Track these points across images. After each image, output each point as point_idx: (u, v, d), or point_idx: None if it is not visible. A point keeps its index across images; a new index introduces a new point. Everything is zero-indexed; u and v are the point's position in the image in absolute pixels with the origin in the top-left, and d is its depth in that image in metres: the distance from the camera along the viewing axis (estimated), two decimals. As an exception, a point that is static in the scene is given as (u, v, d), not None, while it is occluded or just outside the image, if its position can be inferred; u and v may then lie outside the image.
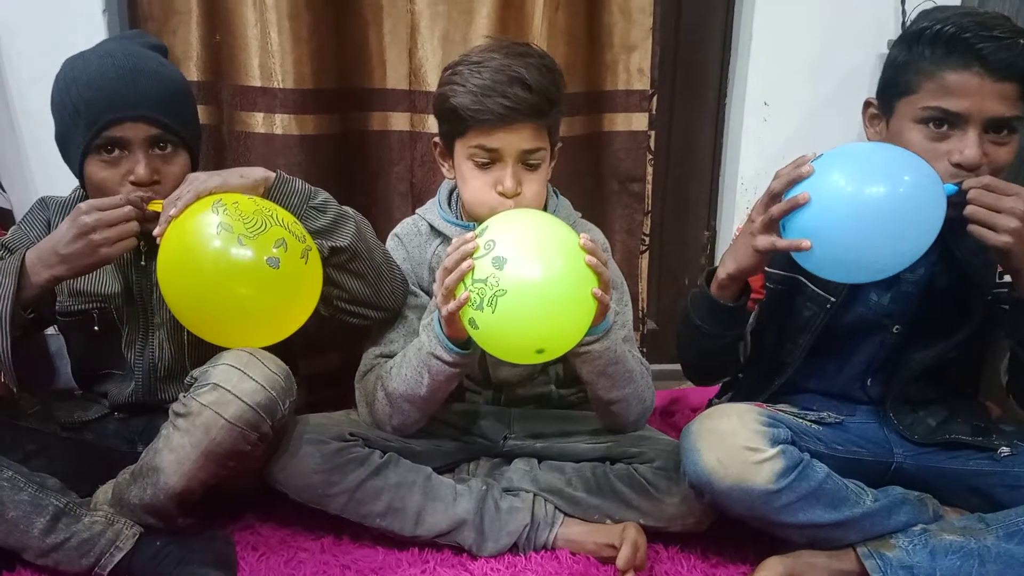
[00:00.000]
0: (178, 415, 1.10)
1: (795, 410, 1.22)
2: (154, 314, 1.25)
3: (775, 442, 1.09)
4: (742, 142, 1.76)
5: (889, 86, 1.14)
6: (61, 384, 1.50)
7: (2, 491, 1.07)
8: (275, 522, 1.29)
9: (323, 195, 1.19)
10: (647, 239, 1.73)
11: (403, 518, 1.20)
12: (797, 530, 1.11)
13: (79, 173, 1.17)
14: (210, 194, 1.09)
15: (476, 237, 1.03)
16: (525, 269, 0.99)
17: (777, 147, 1.74)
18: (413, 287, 1.31)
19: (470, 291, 1.00)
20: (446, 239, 1.28)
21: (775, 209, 1.04)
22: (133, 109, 1.12)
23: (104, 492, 1.17)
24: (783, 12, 1.68)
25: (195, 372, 1.13)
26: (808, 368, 1.24)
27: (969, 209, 1.01)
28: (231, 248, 1.04)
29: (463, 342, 1.14)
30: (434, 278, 1.22)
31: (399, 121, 1.62)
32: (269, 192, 1.15)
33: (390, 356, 1.26)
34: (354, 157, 1.64)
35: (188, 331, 1.20)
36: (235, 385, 1.08)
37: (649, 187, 1.70)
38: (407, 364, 1.20)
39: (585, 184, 1.70)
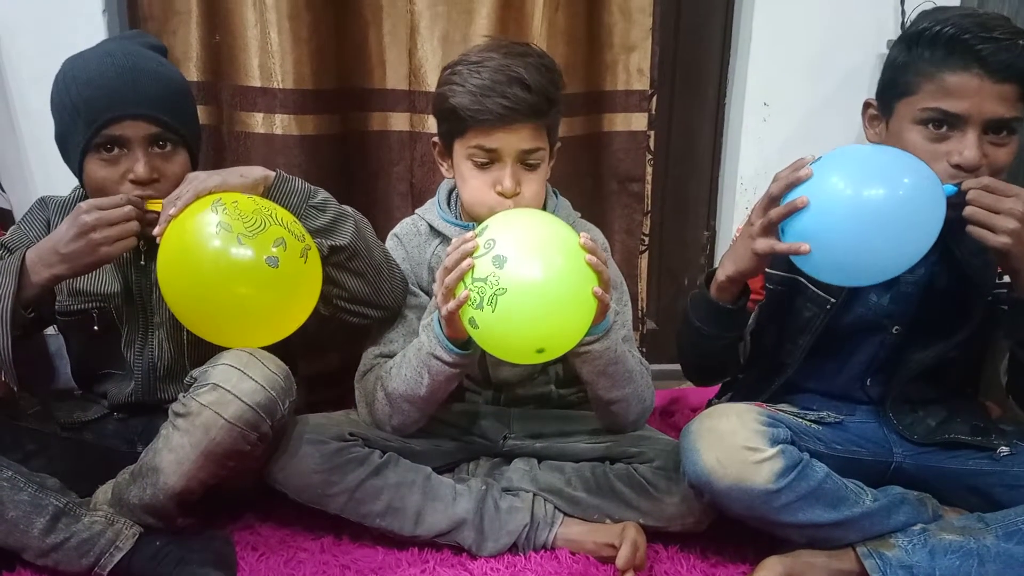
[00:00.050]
0: (178, 415, 1.11)
1: (795, 410, 1.22)
2: (153, 314, 1.25)
3: (774, 442, 1.09)
4: (742, 142, 1.76)
5: (889, 87, 1.14)
6: (61, 384, 1.50)
7: (2, 491, 1.07)
8: (275, 522, 1.29)
9: (322, 194, 1.19)
10: (647, 239, 1.73)
11: (403, 518, 1.20)
12: (796, 530, 1.11)
13: (79, 172, 1.17)
14: (209, 193, 1.09)
15: (476, 236, 1.03)
16: (525, 268, 0.99)
17: (777, 147, 1.75)
18: (412, 287, 1.31)
19: (470, 290, 1.00)
20: (445, 239, 1.28)
21: (773, 213, 1.04)
22: (132, 107, 1.12)
23: (104, 492, 1.17)
24: (783, 12, 1.68)
25: (195, 372, 1.13)
26: (808, 368, 1.24)
27: (968, 210, 1.01)
28: (230, 247, 1.04)
29: (463, 342, 1.14)
30: (433, 278, 1.22)
31: (399, 121, 1.62)
32: (269, 191, 1.15)
33: (390, 356, 1.26)
34: (354, 157, 1.64)
35: (187, 330, 1.20)
36: (235, 385, 1.08)
37: (649, 187, 1.70)
38: (407, 364, 1.20)
39: (585, 184, 1.70)
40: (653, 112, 1.66)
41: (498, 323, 1.00)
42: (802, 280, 1.20)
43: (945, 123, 1.07)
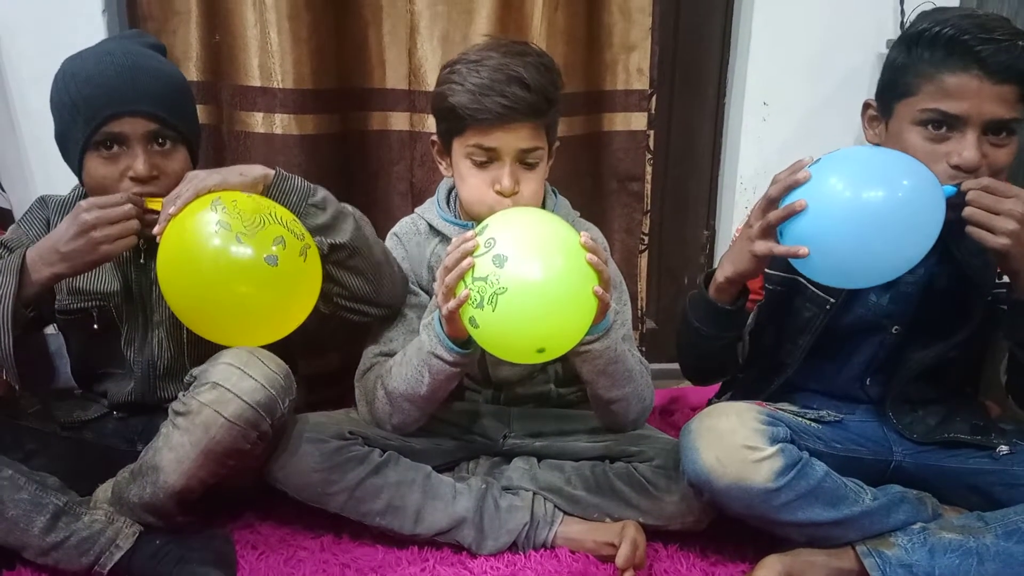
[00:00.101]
0: (178, 414, 1.11)
1: (795, 408, 1.22)
2: (153, 312, 1.25)
3: (774, 440, 1.09)
4: (741, 141, 1.77)
5: (888, 88, 1.14)
6: (61, 383, 1.50)
7: (2, 490, 1.07)
8: (275, 521, 1.29)
9: (322, 192, 1.19)
10: (646, 238, 1.73)
11: (403, 516, 1.20)
12: (796, 528, 1.11)
13: (78, 171, 1.17)
14: (209, 192, 1.09)
15: (476, 235, 1.03)
16: (525, 267, 0.99)
17: (776, 146, 1.75)
18: (412, 286, 1.31)
19: (470, 289, 1.00)
20: (445, 238, 1.28)
21: (772, 215, 1.04)
22: (132, 104, 1.13)
23: (104, 491, 1.17)
24: (782, 11, 1.68)
25: (195, 371, 1.14)
26: (807, 368, 1.24)
27: (967, 211, 1.01)
28: (230, 246, 1.04)
29: (463, 341, 1.14)
30: (433, 277, 1.22)
31: (399, 121, 1.62)
32: (268, 190, 1.15)
33: (390, 355, 1.26)
34: (354, 157, 1.65)
35: (187, 329, 1.20)
36: (235, 384, 1.08)
37: (648, 186, 1.70)
38: (407, 363, 1.20)
39: (584, 184, 1.70)
40: (653, 112, 1.66)
41: (498, 322, 1.00)
42: (802, 280, 1.20)
43: (945, 124, 1.07)
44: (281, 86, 1.50)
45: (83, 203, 1.09)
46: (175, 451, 1.10)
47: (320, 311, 1.19)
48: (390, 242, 1.34)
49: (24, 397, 1.27)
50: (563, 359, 1.17)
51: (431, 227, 1.32)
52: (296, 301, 1.13)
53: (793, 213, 1.01)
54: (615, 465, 1.26)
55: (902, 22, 1.63)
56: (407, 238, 1.33)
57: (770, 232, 1.06)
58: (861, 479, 1.15)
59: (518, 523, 1.21)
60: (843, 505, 1.10)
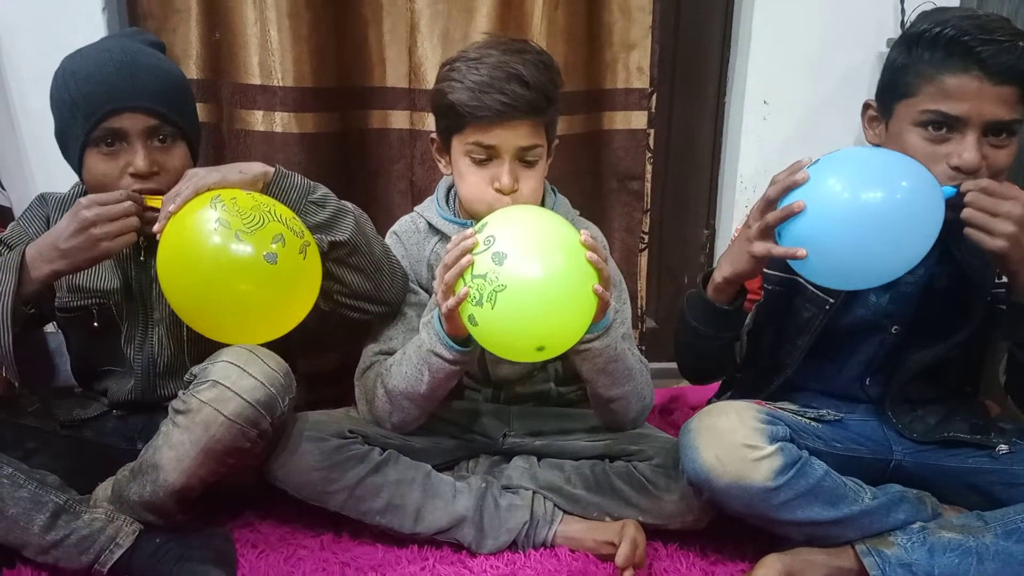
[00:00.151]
0: (178, 412, 1.11)
1: (795, 407, 1.22)
2: (153, 310, 1.25)
3: (773, 439, 1.09)
4: (741, 140, 1.77)
5: (888, 88, 1.13)
6: (60, 382, 1.50)
7: (2, 488, 1.07)
8: (275, 519, 1.29)
9: (322, 190, 1.19)
10: (646, 237, 1.73)
11: (403, 515, 1.20)
12: (795, 527, 1.11)
13: (79, 168, 1.17)
14: (209, 190, 1.09)
15: (475, 233, 1.03)
16: (525, 265, 0.99)
17: (777, 145, 1.75)
18: (412, 284, 1.31)
19: (469, 287, 1.00)
20: (444, 237, 1.28)
21: (770, 217, 1.04)
22: (131, 100, 1.13)
23: (104, 489, 1.17)
24: (783, 10, 1.68)
25: (194, 369, 1.14)
26: (807, 368, 1.24)
27: (966, 213, 1.01)
28: (229, 244, 1.04)
29: (463, 339, 1.14)
30: (433, 276, 1.22)
31: (399, 119, 1.62)
32: (268, 187, 1.15)
33: (390, 353, 1.26)
34: (354, 155, 1.64)
35: (187, 327, 1.20)
36: (235, 382, 1.09)
37: (648, 185, 1.70)
38: (407, 362, 1.20)
39: (584, 182, 1.70)
40: (653, 110, 1.66)
41: (497, 320, 1.00)
42: (801, 281, 1.20)
43: (944, 125, 1.06)
44: (281, 84, 1.50)
45: (83, 200, 1.09)
46: (175, 449, 1.10)
47: (320, 309, 1.19)
48: (389, 240, 1.34)
49: (24, 395, 1.27)
50: (563, 358, 1.17)
51: (430, 225, 1.32)
52: (296, 299, 1.13)
53: (791, 214, 1.01)
54: (615, 464, 1.26)
55: (902, 21, 1.63)
56: (406, 237, 1.33)
57: (768, 233, 1.06)
58: (861, 478, 1.15)
59: (518, 522, 1.21)
60: (842, 504, 1.10)
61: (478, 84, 1.13)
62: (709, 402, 1.35)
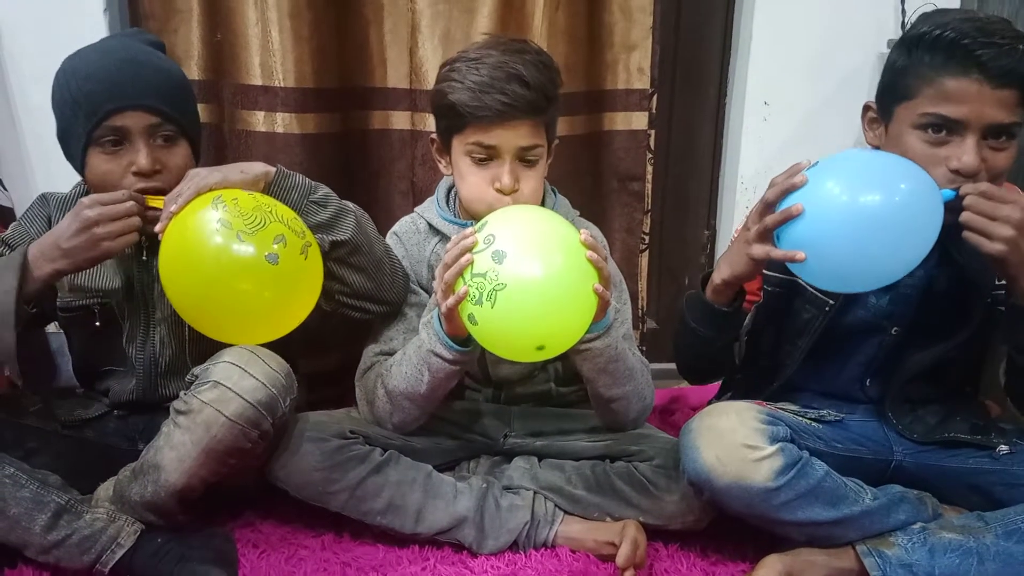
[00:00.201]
0: (179, 412, 1.11)
1: (795, 408, 1.22)
2: (155, 309, 1.25)
3: (774, 440, 1.09)
4: (742, 141, 1.77)
5: (888, 91, 1.13)
6: (62, 382, 1.50)
7: (4, 488, 1.07)
8: (276, 519, 1.29)
9: (323, 190, 1.20)
10: (647, 238, 1.73)
11: (403, 516, 1.20)
12: (796, 528, 1.11)
13: (81, 168, 1.17)
14: (210, 190, 1.09)
15: (475, 232, 1.03)
16: (525, 264, 0.99)
17: (777, 146, 1.75)
18: (412, 284, 1.31)
19: (469, 286, 1.00)
20: (444, 237, 1.28)
21: (769, 219, 1.04)
22: (133, 98, 1.13)
23: (105, 489, 1.17)
24: (783, 11, 1.68)
25: (196, 370, 1.14)
26: (807, 369, 1.24)
27: (964, 216, 1.01)
28: (231, 244, 1.04)
29: (463, 339, 1.14)
30: (433, 276, 1.22)
31: (400, 120, 1.62)
32: (269, 187, 1.15)
33: (390, 354, 1.27)
34: (355, 156, 1.65)
35: (189, 326, 1.20)
36: (236, 383, 1.09)
37: (649, 186, 1.70)
38: (407, 362, 1.20)
39: (585, 183, 1.70)
40: (653, 111, 1.66)
41: (497, 319, 0.99)
42: (800, 282, 1.20)
43: (944, 128, 1.06)
44: (282, 85, 1.50)
45: (85, 199, 1.09)
46: (176, 450, 1.10)
47: (321, 308, 1.19)
48: (390, 241, 1.34)
49: (26, 395, 1.27)
50: (563, 357, 1.17)
51: (431, 226, 1.32)
52: (297, 299, 1.13)
53: (790, 217, 1.01)
54: (615, 464, 1.26)
55: (903, 22, 1.63)
56: (407, 237, 1.33)
57: (767, 236, 1.06)
58: (861, 479, 1.15)
59: (519, 522, 1.21)
60: (843, 505, 1.10)
61: (478, 84, 1.13)
62: (710, 403, 1.35)
